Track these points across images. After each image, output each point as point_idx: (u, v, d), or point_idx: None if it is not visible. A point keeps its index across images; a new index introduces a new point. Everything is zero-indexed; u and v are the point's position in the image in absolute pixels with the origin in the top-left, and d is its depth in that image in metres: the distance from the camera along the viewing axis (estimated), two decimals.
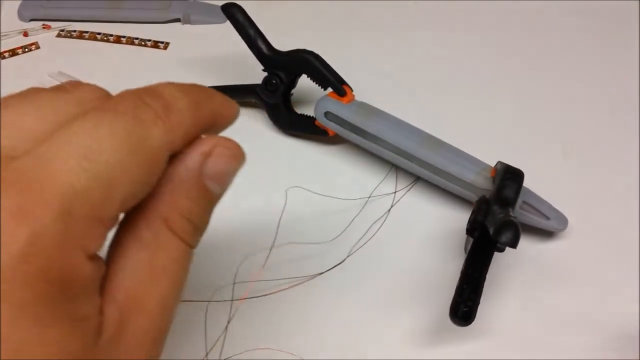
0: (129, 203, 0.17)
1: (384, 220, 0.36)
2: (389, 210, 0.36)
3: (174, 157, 0.18)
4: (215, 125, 0.20)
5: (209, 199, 0.19)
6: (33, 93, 0.17)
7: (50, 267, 0.14)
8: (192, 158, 0.18)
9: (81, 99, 0.18)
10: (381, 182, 0.38)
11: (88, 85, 0.18)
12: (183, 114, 0.18)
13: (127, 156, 0.16)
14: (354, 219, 0.35)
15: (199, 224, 0.19)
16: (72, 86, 0.18)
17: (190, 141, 0.18)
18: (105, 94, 0.18)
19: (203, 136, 0.19)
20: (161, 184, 0.18)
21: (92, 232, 0.15)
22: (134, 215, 0.18)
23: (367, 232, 0.35)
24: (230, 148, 0.19)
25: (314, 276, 0.33)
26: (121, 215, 0.17)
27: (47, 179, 0.14)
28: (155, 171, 0.17)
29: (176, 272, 0.18)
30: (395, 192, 0.37)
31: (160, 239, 0.17)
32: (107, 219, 0.16)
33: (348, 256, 0.34)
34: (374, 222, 0.36)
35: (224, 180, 0.19)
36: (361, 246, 0.35)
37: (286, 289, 0.33)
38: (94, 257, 0.16)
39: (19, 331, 0.14)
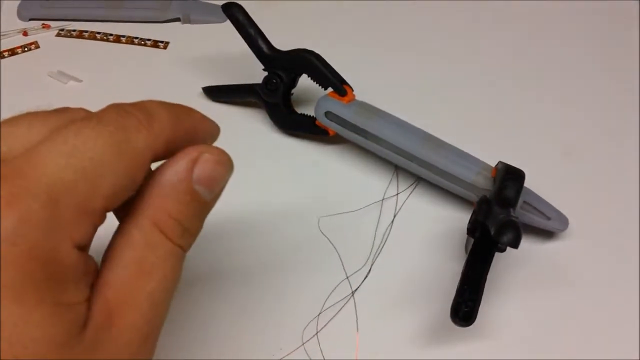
0: (114, 199, 0.18)
1: (391, 223, 0.36)
2: (396, 214, 0.36)
3: (163, 164, 0.19)
4: (196, 138, 0.21)
5: (199, 203, 0.20)
6: (28, 113, 0.19)
7: (36, 249, 0.16)
8: (181, 164, 0.19)
9: (70, 116, 0.19)
10: (388, 185, 0.38)
11: (77, 108, 0.20)
12: (164, 123, 0.19)
13: (111, 155, 0.17)
14: (377, 227, 0.36)
15: (189, 227, 0.19)
16: (63, 108, 0.20)
17: (172, 150, 0.20)
18: (92, 113, 0.20)
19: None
20: (151, 189, 0.19)
21: (78, 223, 0.17)
22: (125, 220, 0.19)
23: (384, 236, 0.35)
24: (217, 154, 0.20)
25: (353, 293, 0.33)
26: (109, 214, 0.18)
27: (36, 172, 0.16)
28: (139, 171, 0.18)
29: (166, 270, 0.19)
30: (397, 194, 0.37)
31: (149, 238, 0.19)
32: (93, 211, 0.17)
33: (372, 264, 0.34)
34: (388, 226, 0.36)
35: (213, 185, 0.20)
36: (379, 252, 0.34)
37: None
38: (82, 249, 0.17)
39: (2, 309, 0.15)
